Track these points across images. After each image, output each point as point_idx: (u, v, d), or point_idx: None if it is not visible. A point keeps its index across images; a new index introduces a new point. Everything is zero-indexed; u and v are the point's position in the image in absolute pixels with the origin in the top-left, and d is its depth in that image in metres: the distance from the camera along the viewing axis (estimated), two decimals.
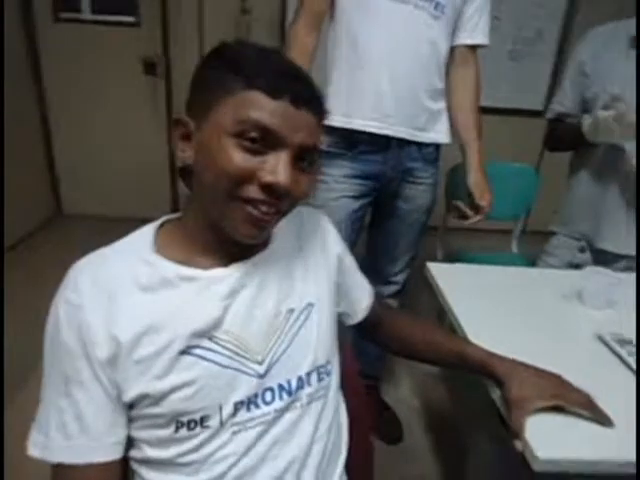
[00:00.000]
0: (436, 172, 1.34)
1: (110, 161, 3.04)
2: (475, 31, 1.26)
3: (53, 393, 0.56)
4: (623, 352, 0.84)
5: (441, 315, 1.03)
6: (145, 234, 0.61)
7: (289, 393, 0.61)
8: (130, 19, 2.80)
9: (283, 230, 0.67)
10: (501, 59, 2.96)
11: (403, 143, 1.22)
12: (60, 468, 0.55)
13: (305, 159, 0.57)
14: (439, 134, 1.28)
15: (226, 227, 0.57)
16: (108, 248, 0.60)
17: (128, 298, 0.55)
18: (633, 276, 1.18)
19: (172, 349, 0.55)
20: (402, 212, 1.35)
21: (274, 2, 2.83)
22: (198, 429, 0.56)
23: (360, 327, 0.83)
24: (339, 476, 0.68)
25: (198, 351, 0.56)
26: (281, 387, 0.61)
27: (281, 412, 0.60)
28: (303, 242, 0.70)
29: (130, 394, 0.54)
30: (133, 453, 0.59)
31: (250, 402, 0.58)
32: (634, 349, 0.85)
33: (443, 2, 1.15)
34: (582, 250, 1.32)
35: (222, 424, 0.57)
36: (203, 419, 0.56)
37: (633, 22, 1.17)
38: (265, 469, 0.59)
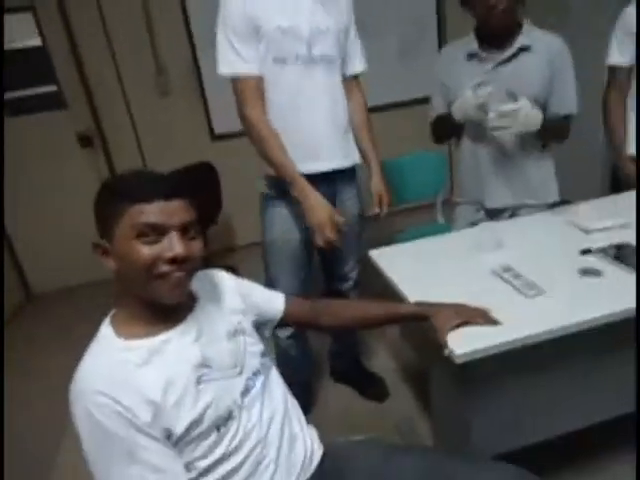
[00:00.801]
0: (357, 185, 1.67)
1: (68, 233, 3.20)
2: (355, 61, 1.59)
3: (120, 469, 0.73)
4: (506, 275, 1.22)
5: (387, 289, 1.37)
6: (106, 334, 0.81)
7: (255, 375, 0.91)
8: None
9: (199, 292, 0.93)
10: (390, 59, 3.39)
11: (331, 173, 1.53)
12: None
13: (189, 230, 0.80)
14: (355, 155, 1.61)
15: (157, 299, 0.79)
16: (88, 357, 0.78)
17: (137, 375, 0.76)
18: (515, 220, 1.59)
19: (191, 385, 0.79)
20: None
21: (186, 57, 3.12)
22: (229, 422, 0.83)
23: (297, 325, 1.15)
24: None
25: (204, 377, 0.82)
26: (251, 376, 0.90)
27: (261, 388, 0.91)
28: (213, 292, 0.96)
29: (179, 428, 0.76)
30: (189, 476, 0.79)
31: (245, 390, 0.88)
32: (515, 272, 1.23)
33: (332, 54, 1.47)
34: (478, 211, 1.71)
35: (240, 410, 0.85)
36: (229, 414, 0.84)
37: (469, 40, 1.58)
38: (273, 424, 0.90)
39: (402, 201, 2.24)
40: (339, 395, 1.96)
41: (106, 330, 0.82)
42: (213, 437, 0.81)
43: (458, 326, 1.03)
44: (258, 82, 1.42)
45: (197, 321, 0.87)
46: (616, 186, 1.85)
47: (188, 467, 0.79)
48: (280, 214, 1.56)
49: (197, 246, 0.82)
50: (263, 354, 0.96)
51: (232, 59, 1.39)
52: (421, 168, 2.35)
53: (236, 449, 0.84)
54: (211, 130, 3.32)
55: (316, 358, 2.07)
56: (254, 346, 0.95)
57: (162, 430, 0.75)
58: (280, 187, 1.50)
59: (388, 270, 1.37)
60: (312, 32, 1.41)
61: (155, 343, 0.80)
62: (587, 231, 1.41)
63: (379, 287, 1.39)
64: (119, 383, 0.74)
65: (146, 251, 0.76)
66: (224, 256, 3.46)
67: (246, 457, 0.85)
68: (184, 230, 0.79)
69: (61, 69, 2.99)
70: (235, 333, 0.92)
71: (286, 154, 1.41)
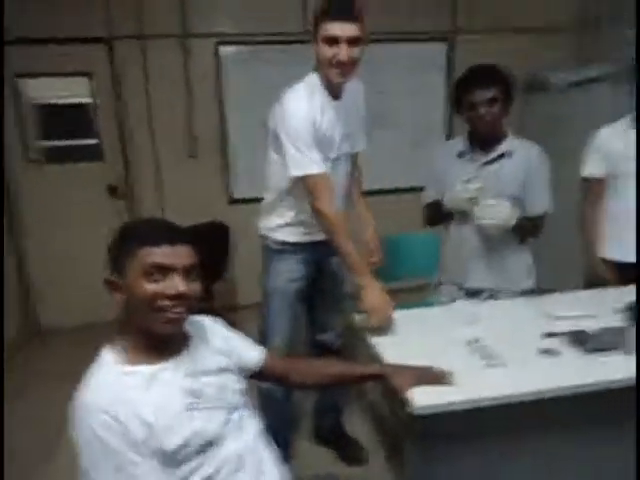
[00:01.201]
0: None
1: (83, 273, 3.39)
2: (359, 142, 1.84)
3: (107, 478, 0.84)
4: (475, 346, 1.36)
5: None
6: (108, 360, 0.94)
7: (236, 409, 1.03)
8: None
9: (192, 333, 1.07)
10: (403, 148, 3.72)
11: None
12: None
13: (191, 273, 0.94)
14: None
15: (155, 330, 0.93)
16: (91, 378, 0.91)
17: (135, 398, 0.89)
18: (492, 302, 1.75)
19: (182, 411, 0.92)
20: (328, 285, 1.88)
21: (216, 126, 3.47)
22: (213, 448, 0.95)
23: (271, 379, 1.26)
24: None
25: (194, 405, 0.95)
26: (231, 410, 1.02)
27: (238, 421, 1.03)
28: (204, 334, 1.10)
29: (168, 449, 0.88)
30: None
31: (226, 421, 0.99)
32: (484, 344, 1.37)
33: (349, 149, 1.74)
34: (459, 289, 1.88)
35: (222, 438, 0.97)
36: (214, 440, 0.95)
37: (461, 140, 1.84)
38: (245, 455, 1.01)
39: (399, 277, 2.42)
40: (318, 456, 2.02)
41: (107, 356, 0.95)
42: (199, 460, 0.93)
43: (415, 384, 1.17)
44: (326, 179, 1.60)
45: (190, 356, 1.01)
46: (587, 282, 2.02)
47: None
48: (286, 264, 1.76)
49: (196, 287, 0.97)
50: (243, 393, 1.09)
51: (303, 163, 1.57)
52: (419, 247, 2.55)
53: (216, 472, 0.95)
54: (229, 194, 3.59)
55: (300, 417, 2.15)
56: (236, 384, 1.08)
57: (152, 449, 0.88)
58: (288, 245, 1.74)
59: (370, 337, 1.52)
60: (341, 138, 1.69)
61: (152, 370, 0.94)
62: (555, 318, 1.56)
63: (363, 348, 1.53)
64: (119, 403, 0.86)
65: (152, 287, 0.91)
66: (226, 313, 3.60)
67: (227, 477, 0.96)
68: (186, 272, 0.94)
69: (103, 126, 3.35)
70: (221, 370, 1.05)
71: (351, 243, 1.58)
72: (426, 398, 1.13)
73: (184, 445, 0.91)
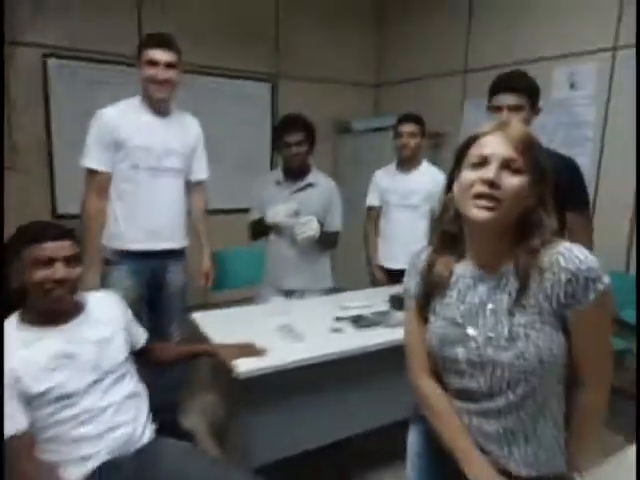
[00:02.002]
0: (184, 262, 2.19)
1: None
2: (199, 171, 2.20)
3: None
4: (284, 330, 1.79)
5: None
6: (11, 320, 1.24)
7: (111, 373, 1.30)
8: None
9: (90, 306, 1.36)
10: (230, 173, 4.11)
11: (164, 251, 2.05)
12: None
13: (71, 261, 1.23)
14: (185, 240, 2.17)
15: (45, 306, 1.23)
16: None
17: (19, 350, 1.18)
18: (301, 300, 2.23)
19: (49, 367, 1.19)
20: (168, 294, 2.15)
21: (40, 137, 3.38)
22: (70, 400, 1.21)
23: (142, 359, 1.50)
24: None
25: (62, 364, 1.21)
26: (104, 374, 1.28)
27: (111, 384, 1.29)
28: (101, 307, 1.39)
29: (32, 393, 1.15)
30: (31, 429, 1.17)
31: (95, 381, 1.25)
32: (290, 328, 1.80)
33: (179, 167, 2.06)
34: (277, 291, 2.33)
35: (84, 393, 1.23)
36: (72, 395, 1.21)
37: (278, 172, 2.30)
38: (107, 409, 1.27)
39: (229, 287, 2.77)
40: None
41: (11, 320, 1.24)
42: (57, 405, 1.19)
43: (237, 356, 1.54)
44: (103, 178, 1.94)
45: (77, 326, 1.28)
46: (371, 283, 2.66)
47: (35, 421, 1.17)
48: (120, 276, 1.96)
49: (76, 272, 1.24)
50: (122, 362, 1.34)
51: (88, 155, 1.91)
52: (248, 259, 2.93)
53: (72, 418, 1.20)
54: (54, 209, 3.50)
55: None
56: (118, 353, 1.33)
57: (19, 391, 1.15)
58: (120, 255, 1.96)
59: (205, 327, 1.84)
60: (163, 152, 2.00)
61: (39, 333, 1.23)
62: (344, 308, 2.09)
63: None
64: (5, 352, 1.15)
65: (41, 273, 1.19)
66: None
67: (76, 425, 1.21)
68: (67, 261, 1.22)
69: None
70: (104, 340, 1.32)
71: (95, 242, 1.94)
72: (246, 366, 1.50)
73: (45, 393, 1.18)
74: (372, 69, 4.65)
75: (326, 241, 2.30)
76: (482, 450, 0.97)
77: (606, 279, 0.86)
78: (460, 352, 0.95)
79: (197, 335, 1.85)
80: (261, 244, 2.45)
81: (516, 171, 0.88)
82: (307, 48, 4.21)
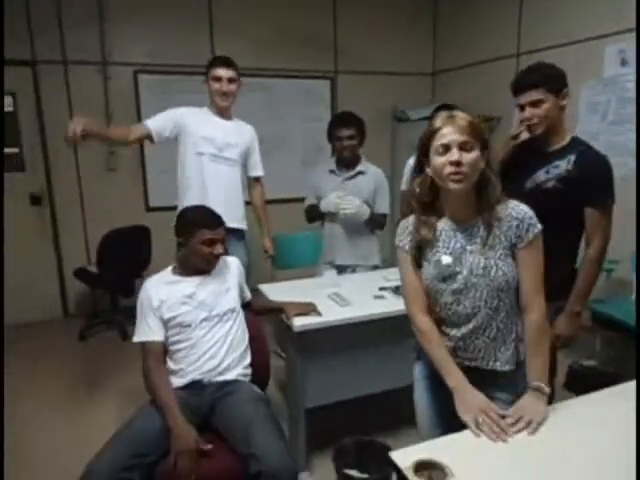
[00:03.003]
0: (245, 242, 2.60)
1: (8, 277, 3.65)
2: (256, 169, 2.62)
3: (139, 320, 1.72)
4: (333, 297, 2.11)
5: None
6: (167, 270, 1.81)
7: (219, 315, 1.74)
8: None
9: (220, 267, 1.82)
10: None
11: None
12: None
13: (222, 243, 1.75)
14: (244, 224, 2.58)
15: (204, 267, 1.76)
16: (157, 274, 1.80)
17: (165, 287, 1.73)
18: (353, 274, 2.54)
19: (178, 302, 1.70)
20: None
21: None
22: (188, 328, 1.70)
23: (247, 307, 1.95)
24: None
25: (186, 302, 1.72)
26: (214, 315, 1.73)
27: (218, 323, 1.73)
28: (224, 267, 1.86)
29: (165, 317, 1.69)
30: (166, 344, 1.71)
31: (205, 319, 1.72)
32: (340, 295, 2.12)
33: (236, 158, 2.47)
34: (332, 266, 2.66)
35: (197, 326, 1.70)
36: (189, 324, 1.70)
37: (331, 161, 2.62)
38: (212, 342, 1.71)
39: (291, 266, 3.15)
40: None
41: (168, 268, 1.81)
42: (178, 329, 1.71)
43: (301, 314, 1.89)
44: (146, 128, 2.37)
45: (207, 278, 1.77)
46: None
47: (166, 337, 1.70)
48: None
49: (222, 249, 1.76)
50: (232, 310, 1.79)
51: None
52: (303, 243, 3.30)
53: (185, 341, 1.68)
54: (147, 203, 4.09)
55: None
56: (230, 302, 1.79)
57: (159, 314, 1.69)
58: None
59: (270, 296, 2.22)
60: (222, 144, 2.43)
61: (181, 279, 1.76)
62: (388, 280, 2.38)
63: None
64: (154, 287, 1.72)
65: (207, 249, 1.72)
66: None
67: (186, 347, 1.68)
68: (221, 242, 1.75)
69: (26, 135, 3.69)
70: (221, 291, 1.78)
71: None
72: (301, 321, 1.86)
73: (172, 318, 1.69)
74: (428, 59, 4.80)
75: (375, 222, 2.59)
76: (469, 364, 1.31)
77: (539, 226, 1.24)
78: (450, 284, 1.28)
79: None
80: (317, 228, 2.80)
81: (470, 149, 1.20)
82: (362, 43, 4.47)
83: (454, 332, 1.32)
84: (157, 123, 2.38)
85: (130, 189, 4.03)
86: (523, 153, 1.86)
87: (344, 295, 2.15)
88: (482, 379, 1.28)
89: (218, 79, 2.38)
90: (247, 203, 2.66)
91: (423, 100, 4.76)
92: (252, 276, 2.64)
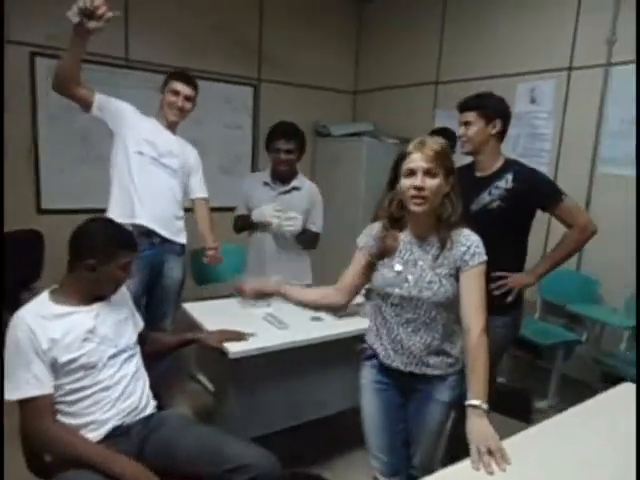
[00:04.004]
0: (183, 259, 2.40)
1: None
2: (199, 190, 2.45)
3: (18, 372, 1.28)
4: (269, 318, 1.97)
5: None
6: (44, 296, 1.40)
7: (124, 351, 1.47)
8: None
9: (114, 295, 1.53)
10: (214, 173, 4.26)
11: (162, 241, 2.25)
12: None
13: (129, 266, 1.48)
14: (184, 238, 2.38)
15: (103, 293, 1.45)
16: (31, 303, 1.39)
17: (54, 322, 1.34)
18: None
19: (79, 339, 1.36)
20: (166, 284, 2.31)
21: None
22: (94, 370, 1.38)
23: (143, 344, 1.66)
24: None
25: (89, 339, 1.38)
26: (119, 351, 1.46)
27: (125, 360, 1.47)
28: (121, 298, 1.57)
29: (62, 360, 1.30)
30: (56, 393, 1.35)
31: (113, 355, 1.43)
32: (275, 316, 1.99)
33: (176, 168, 2.29)
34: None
35: (104, 365, 1.40)
36: (95, 365, 1.38)
37: (265, 173, 2.49)
38: (122, 381, 1.44)
39: (213, 281, 2.94)
40: None
41: (44, 293, 1.41)
42: (81, 373, 1.37)
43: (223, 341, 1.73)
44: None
45: (104, 307, 1.46)
46: None
47: (58, 387, 1.33)
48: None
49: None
50: (134, 344, 1.52)
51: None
52: (227, 256, 3.10)
53: (92, 385, 1.38)
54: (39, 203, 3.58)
55: None
56: (131, 335, 1.52)
57: (50, 358, 1.31)
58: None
59: (197, 316, 2.01)
60: (163, 151, 2.26)
61: (75, 309, 1.39)
62: None
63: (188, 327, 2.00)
64: (39, 321, 1.32)
65: (123, 275, 1.46)
66: None
67: (94, 392, 1.38)
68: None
69: None
70: (121, 322, 1.51)
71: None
72: (238, 347, 1.69)
73: (71, 361, 1.34)
74: (349, 77, 4.88)
75: (307, 240, 2.49)
76: (403, 369, 1.41)
77: (484, 256, 1.35)
78: (397, 290, 1.39)
79: (190, 324, 2.02)
80: (242, 240, 2.64)
81: (434, 175, 1.30)
82: (288, 54, 4.40)
83: (393, 335, 1.42)
84: (103, 97, 2.20)
85: (18, 185, 3.49)
86: (465, 179, 1.91)
87: (279, 317, 2.01)
88: (417, 382, 1.42)
89: (176, 93, 2.27)
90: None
91: (344, 117, 4.82)
92: (181, 296, 2.42)
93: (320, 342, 1.87)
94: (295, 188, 2.48)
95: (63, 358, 1.33)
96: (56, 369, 1.32)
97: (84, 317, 1.40)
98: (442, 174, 1.31)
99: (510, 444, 1.18)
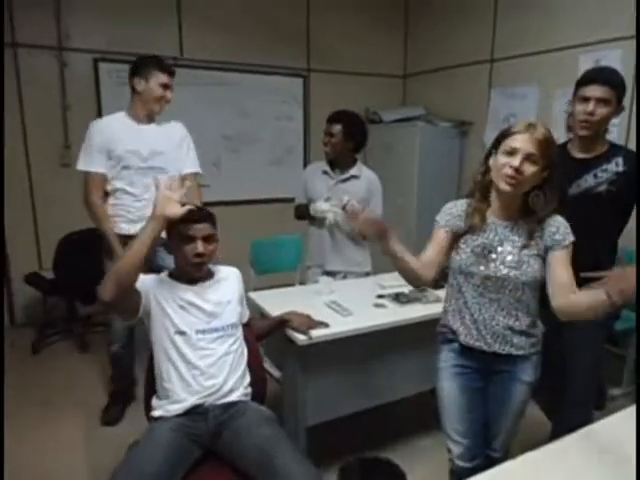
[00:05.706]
0: None
1: None
2: (189, 165, 2.40)
3: None
4: (333, 306, 2.00)
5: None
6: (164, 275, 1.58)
7: (217, 330, 1.55)
8: None
9: (217, 274, 1.63)
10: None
11: None
12: None
13: (208, 240, 1.53)
14: None
15: (186, 268, 1.54)
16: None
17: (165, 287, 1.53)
18: (345, 280, 2.43)
19: (178, 309, 1.52)
20: None
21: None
22: (181, 336, 1.51)
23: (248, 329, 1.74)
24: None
25: (185, 309, 1.53)
26: (210, 328, 1.54)
27: (216, 336, 1.54)
28: (225, 277, 1.66)
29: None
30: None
31: (203, 330, 1.53)
32: (338, 304, 2.01)
33: (163, 166, 2.28)
34: (321, 273, 2.53)
35: (190, 335, 1.51)
36: (184, 332, 1.51)
37: (324, 163, 2.50)
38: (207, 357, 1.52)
39: (271, 271, 3.00)
40: None
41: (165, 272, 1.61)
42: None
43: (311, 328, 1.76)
44: (98, 178, 2.24)
45: (204, 287, 1.58)
46: None
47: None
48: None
49: (211, 248, 1.55)
50: (232, 325, 1.59)
51: (85, 160, 2.24)
52: (285, 246, 3.16)
53: (181, 355, 1.50)
54: None
55: None
56: (230, 317, 1.59)
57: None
58: None
59: (263, 304, 2.07)
60: (150, 153, 2.27)
61: (179, 284, 1.56)
62: (383, 287, 2.29)
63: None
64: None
65: (190, 248, 1.51)
66: None
67: (184, 363, 1.49)
68: (205, 239, 1.52)
69: None
70: (222, 304, 1.59)
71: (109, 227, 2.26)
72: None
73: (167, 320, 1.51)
74: (399, 61, 4.79)
75: None
76: (487, 349, 1.41)
77: (572, 237, 1.35)
78: (482, 269, 1.38)
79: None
80: (299, 229, 2.66)
81: (533, 162, 1.27)
82: (336, 42, 4.37)
83: (476, 315, 1.41)
84: (98, 167, 2.23)
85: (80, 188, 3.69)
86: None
87: (343, 304, 2.03)
88: (500, 362, 1.42)
89: (165, 87, 2.27)
90: None
91: (394, 102, 4.74)
92: None
93: (384, 329, 1.87)
94: (354, 176, 2.48)
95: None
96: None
97: (185, 292, 1.54)
98: (541, 164, 1.28)
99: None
